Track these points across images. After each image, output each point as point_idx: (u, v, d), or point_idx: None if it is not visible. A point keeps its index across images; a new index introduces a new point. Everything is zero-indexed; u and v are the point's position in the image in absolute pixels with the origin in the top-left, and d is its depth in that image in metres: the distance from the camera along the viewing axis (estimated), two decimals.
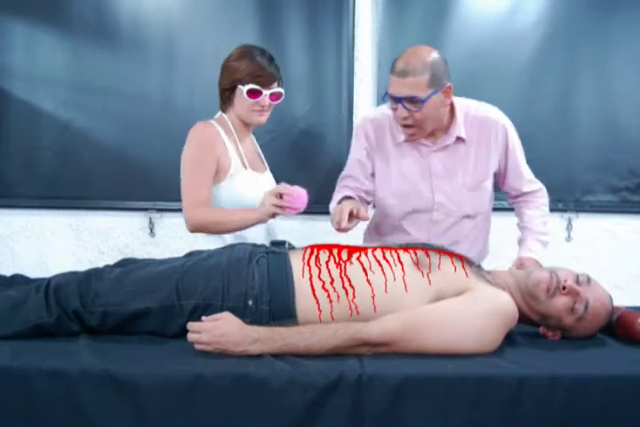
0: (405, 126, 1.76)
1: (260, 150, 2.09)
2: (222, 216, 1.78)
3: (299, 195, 1.64)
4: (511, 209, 2.09)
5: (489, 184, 1.90)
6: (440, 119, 1.79)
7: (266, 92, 1.85)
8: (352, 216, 1.67)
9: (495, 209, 2.04)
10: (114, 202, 2.69)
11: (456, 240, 1.90)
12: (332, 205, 1.88)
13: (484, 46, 2.62)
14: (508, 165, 1.90)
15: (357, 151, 1.94)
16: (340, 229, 1.67)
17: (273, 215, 1.70)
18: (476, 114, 1.84)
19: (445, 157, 1.85)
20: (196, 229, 1.80)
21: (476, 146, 1.84)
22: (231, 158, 1.87)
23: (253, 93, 1.84)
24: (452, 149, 1.84)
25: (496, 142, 1.85)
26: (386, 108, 1.87)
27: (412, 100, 1.67)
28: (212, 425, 1.13)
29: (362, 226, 2.20)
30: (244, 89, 1.84)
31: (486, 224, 2.02)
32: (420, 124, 1.74)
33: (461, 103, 1.84)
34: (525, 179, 1.95)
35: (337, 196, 1.90)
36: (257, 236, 1.89)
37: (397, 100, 1.69)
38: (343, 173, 1.99)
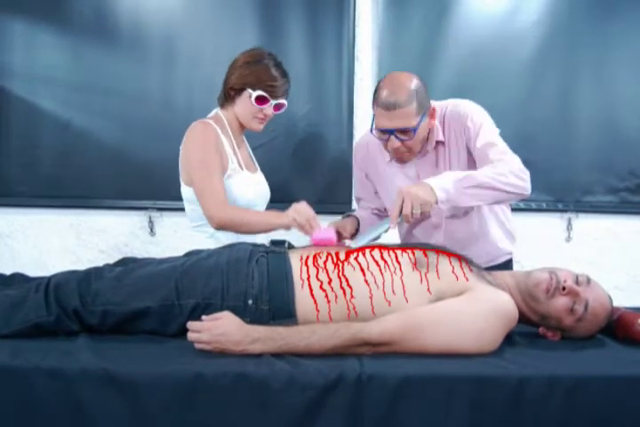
0: (396, 153, 1.78)
1: (250, 151, 2.10)
2: (250, 217, 1.78)
3: (324, 236, 1.63)
4: (512, 209, 2.09)
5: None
6: (427, 139, 1.80)
7: (272, 102, 1.87)
8: (339, 235, 1.77)
9: None
10: (114, 201, 2.69)
11: (468, 238, 1.89)
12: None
13: (484, 46, 2.62)
14: (475, 150, 1.76)
15: (358, 174, 2.06)
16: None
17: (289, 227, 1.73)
18: (448, 114, 1.81)
19: (427, 162, 1.85)
20: (221, 226, 1.78)
21: (454, 143, 1.82)
22: (229, 159, 1.87)
23: (261, 100, 1.85)
24: (434, 153, 1.84)
25: (463, 133, 1.79)
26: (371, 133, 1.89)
27: (405, 131, 1.68)
28: (211, 424, 1.13)
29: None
30: (253, 94, 1.84)
31: (493, 215, 1.95)
32: (411, 149, 1.76)
33: (437, 108, 1.81)
34: (489, 159, 1.71)
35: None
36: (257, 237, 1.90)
37: (389, 132, 1.69)
38: (355, 195, 2.14)
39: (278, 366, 1.16)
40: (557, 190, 2.70)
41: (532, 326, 1.45)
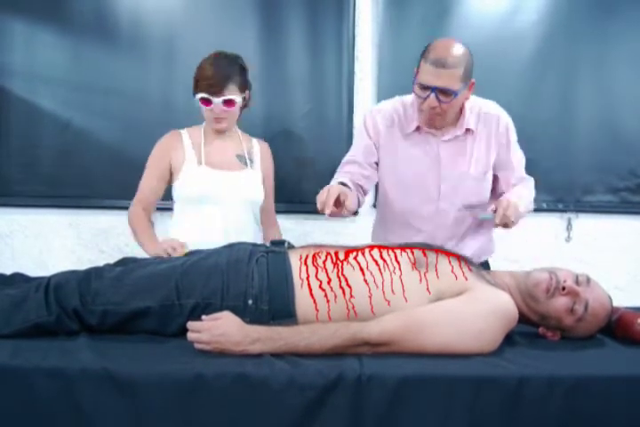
0: (429, 115, 1.79)
1: (245, 153, 2.08)
2: (138, 232, 1.93)
3: None
4: None
5: (490, 176, 1.92)
6: (458, 112, 1.84)
7: (216, 100, 1.88)
8: (339, 203, 1.62)
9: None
10: (114, 201, 2.69)
11: (461, 233, 1.93)
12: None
13: (484, 46, 2.62)
14: (505, 161, 1.92)
15: (363, 139, 1.96)
16: (322, 212, 1.60)
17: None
18: (479, 108, 1.89)
19: (453, 147, 1.88)
20: (128, 221, 1.99)
21: (480, 138, 1.88)
22: (187, 159, 1.97)
23: (205, 101, 1.91)
24: (460, 141, 1.88)
25: (497, 136, 1.89)
26: (392, 102, 1.93)
27: (446, 91, 1.70)
28: (211, 424, 1.13)
29: (368, 224, 2.21)
30: (197, 97, 1.91)
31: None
32: (444, 114, 1.78)
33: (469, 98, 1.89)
34: (517, 175, 1.93)
35: (333, 181, 1.88)
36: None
37: (431, 89, 1.70)
38: (345, 158, 1.99)
39: (278, 366, 1.16)
40: (557, 190, 2.70)
41: (532, 326, 1.45)
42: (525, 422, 1.15)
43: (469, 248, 1.93)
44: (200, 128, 2.05)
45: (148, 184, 2.01)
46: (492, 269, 2.00)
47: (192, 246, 1.62)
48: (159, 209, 2.72)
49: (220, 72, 1.88)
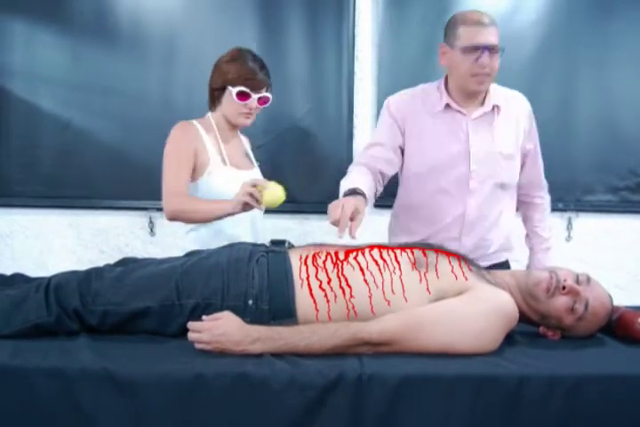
0: (481, 76, 1.81)
1: (249, 151, 2.10)
2: (199, 204, 1.81)
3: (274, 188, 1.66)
4: None
5: (518, 156, 1.95)
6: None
7: (254, 96, 1.89)
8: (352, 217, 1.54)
9: None
10: (114, 201, 2.69)
11: (494, 216, 1.93)
12: (344, 184, 1.77)
13: None
14: (530, 150, 1.98)
15: (386, 123, 1.95)
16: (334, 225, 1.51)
17: (245, 207, 1.68)
18: (504, 89, 1.96)
19: (482, 125, 1.89)
20: (173, 217, 1.83)
21: (508, 116, 1.91)
22: (210, 156, 1.91)
23: (243, 96, 1.88)
24: (489, 118, 1.89)
25: (523, 120, 1.94)
26: (411, 90, 1.96)
27: (495, 48, 1.77)
28: (211, 424, 1.13)
29: (368, 224, 2.19)
30: (233, 91, 1.87)
31: (513, 207, 2.04)
32: (493, 72, 1.82)
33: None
34: (542, 172, 2.05)
35: (353, 168, 1.89)
36: (242, 233, 1.92)
37: (484, 47, 1.75)
38: (370, 141, 1.98)
39: (278, 366, 1.16)
40: (557, 190, 2.69)
41: (532, 326, 1.45)
42: (526, 422, 1.15)
43: (497, 239, 1.98)
44: (210, 122, 1.98)
45: (184, 176, 1.86)
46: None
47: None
48: (159, 209, 2.72)
49: (263, 70, 1.90)
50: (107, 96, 2.63)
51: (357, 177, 1.81)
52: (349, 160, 2.66)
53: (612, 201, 2.71)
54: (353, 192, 1.64)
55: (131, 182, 2.66)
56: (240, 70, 1.87)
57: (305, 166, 2.69)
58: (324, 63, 2.65)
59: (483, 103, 1.89)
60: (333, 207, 1.52)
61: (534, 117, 1.98)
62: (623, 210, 2.73)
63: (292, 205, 2.61)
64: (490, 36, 1.76)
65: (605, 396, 1.16)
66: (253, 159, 2.09)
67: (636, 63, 2.65)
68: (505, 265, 2.03)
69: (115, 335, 1.32)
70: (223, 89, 1.90)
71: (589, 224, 2.75)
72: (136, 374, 1.13)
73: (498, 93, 1.92)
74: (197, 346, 1.23)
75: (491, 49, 1.76)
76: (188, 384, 1.12)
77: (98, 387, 1.12)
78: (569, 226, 2.74)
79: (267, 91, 1.94)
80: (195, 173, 1.89)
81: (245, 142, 2.13)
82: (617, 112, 2.67)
